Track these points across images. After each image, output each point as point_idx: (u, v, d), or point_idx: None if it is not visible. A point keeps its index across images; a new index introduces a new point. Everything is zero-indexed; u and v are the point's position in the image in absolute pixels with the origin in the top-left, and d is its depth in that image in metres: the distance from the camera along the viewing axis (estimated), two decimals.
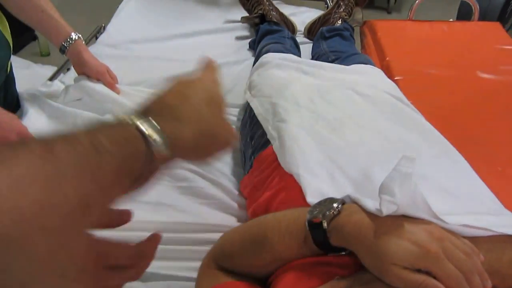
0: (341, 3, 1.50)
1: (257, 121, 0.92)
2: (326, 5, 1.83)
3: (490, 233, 0.55)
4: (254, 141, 0.92)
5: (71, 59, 1.18)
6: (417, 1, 1.63)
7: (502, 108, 1.20)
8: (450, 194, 0.65)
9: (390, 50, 1.43)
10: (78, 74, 1.20)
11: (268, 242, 0.58)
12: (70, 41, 1.13)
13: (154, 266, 0.47)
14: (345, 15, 1.46)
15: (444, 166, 0.75)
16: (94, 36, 1.60)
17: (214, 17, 1.74)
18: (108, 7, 1.83)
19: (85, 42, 1.48)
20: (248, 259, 0.62)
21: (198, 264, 0.67)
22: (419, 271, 0.47)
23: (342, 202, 0.55)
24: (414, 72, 1.34)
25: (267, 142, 0.85)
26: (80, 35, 1.15)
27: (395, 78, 1.30)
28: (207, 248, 0.67)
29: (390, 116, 0.85)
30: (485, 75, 1.34)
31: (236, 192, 0.94)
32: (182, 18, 1.70)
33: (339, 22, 1.44)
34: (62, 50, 1.14)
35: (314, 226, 0.54)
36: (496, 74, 1.34)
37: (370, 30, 1.60)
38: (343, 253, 0.54)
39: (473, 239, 0.52)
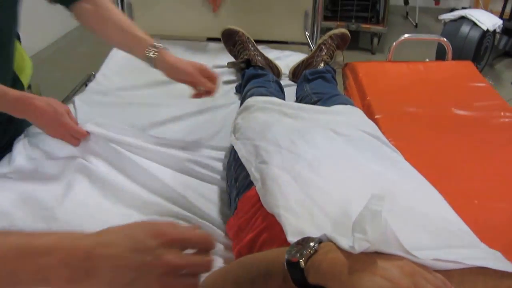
0: (323, 47, 1.58)
1: (241, 163, 0.96)
2: (310, 49, 1.91)
3: (461, 266, 0.58)
4: (238, 183, 0.95)
5: (160, 68, 1.16)
6: (394, 44, 1.72)
7: (477, 142, 1.26)
8: (424, 228, 0.68)
9: (370, 90, 1.50)
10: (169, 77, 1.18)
11: (250, 283, 0.61)
12: (154, 51, 1.14)
13: None
14: (327, 58, 1.54)
15: (419, 201, 0.78)
16: (83, 83, 1.66)
17: (202, 62, 1.80)
18: (98, 56, 1.89)
19: (74, 90, 1.53)
20: None
21: None
22: None
23: (319, 241, 0.58)
24: (393, 110, 1.40)
25: (251, 184, 0.89)
26: (160, 45, 1.15)
27: (376, 117, 1.36)
28: None
29: (368, 154, 0.90)
30: (460, 112, 1.41)
31: (223, 234, 0.96)
32: None
33: (322, 65, 1.52)
34: (149, 61, 1.14)
35: (292, 266, 0.56)
36: (470, 110, 1.42)
37: (352, 71, 1.68)
38: None
39: (445, 273, 0.55)
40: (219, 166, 1.17)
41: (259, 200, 0.81)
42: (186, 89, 1.58)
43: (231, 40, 1.65)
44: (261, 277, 0.60)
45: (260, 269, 0.62)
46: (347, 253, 0.54)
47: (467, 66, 1.71)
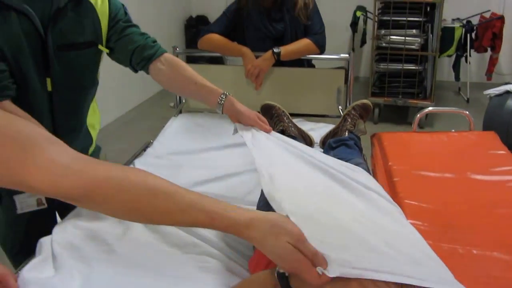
0: (347, 118, 1.84)
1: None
2: None
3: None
4: None
5: (227, 112, 1.47)
6: (418, 115, 1.95)
7: (489, 203, 1.42)
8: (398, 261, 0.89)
9: (392, 156, 1.72)
10: (234, 122, 1.50)
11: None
12: (223, 98, 1.46)
13: None
14: (351, 127, 1.79)
15: (403, 243, 0.99)
16: (143, 149, 2.00)
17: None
18: (156, 129, 2.25)
19: (135, 154, 1.88)
20: None
21: None
22: None
23: None
24: (411, 175, 1.61)
25: None
26: (227, 93, 1.47)
27: (394, 179, 1.58)
28: None
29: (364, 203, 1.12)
30: (476, 176, 1.59)
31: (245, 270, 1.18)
32: (219, 133, 2.09)
33: (346, 133, 1.77)
34: (219, 108, 1.46)
35: (280, 276, 0.82)
36: (486, 175, 1.58)
37: (378, 140, 1.91)
38: None
39: None
40: None
41: None
42: (230, 154, 1.88)
43: (268, 113, 1.95)
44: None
45: (260, 283, 0.85)
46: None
47: (490, 136, 1.89)
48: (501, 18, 4.88)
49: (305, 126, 2.11)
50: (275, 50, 2.14)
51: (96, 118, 1.62)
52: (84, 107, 1.52)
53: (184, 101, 2.44)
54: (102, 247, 1.22)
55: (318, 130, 2.11)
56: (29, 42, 1.27)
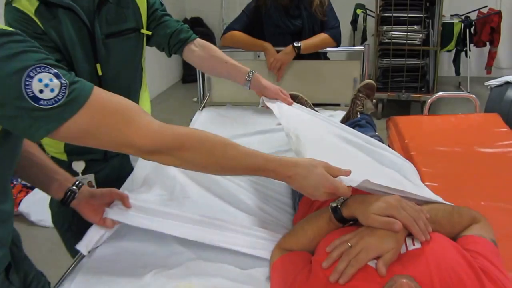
0: (356, 101, 2.14)
1: None
2: None
3: (427, 200, 1.12)
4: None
5: (254, 88, 1.74)
6: (429, 101, 2.27)
7: (492, 170, 1.74)
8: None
9: (408, 135, 2.05)
10: (259, 96, 1.78)
11: (310, 224, 1.14)
12: (250, 75, 1.73)
13: None
14: (360, 108, 2.09)
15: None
16: None
17: (266, 122, 2.41)
18: (185, 119, 2.55)
19: None
20: (302, 238, 1.17)
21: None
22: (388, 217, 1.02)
23: (346, 198, 1.12)
24: (425, 149, 1.93)
25: None
26: (253, 70, 1.73)
27: (411, 153, 1.90)
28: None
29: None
30: (481, 149, 1.91)
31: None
32: (244, 122, 2.38)
33: (358, 115, 2.07)
34: (247, 84, 1.74)
35: (334, 209, 1.11)
36: (490, 148, 1.91)
37: (393, 123, 2.23)
38: (351, 222, 1.10)
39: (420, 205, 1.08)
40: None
41: (311, 201, 1.35)
42: (257, 140, 2.16)
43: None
44: (317, 220, 1.15)
45: (317, 216, 1.16)
46: (360, 198, 1.08)
47: (493, 117, 2.22)
48: (498, 13, 5.24)
49: (325, 114, 2.41)
50: (296, 44, 2.44)
51: (147, 106, 1.89)
52: (134, 92, 1.77)
53: (208, 95, 2.74)
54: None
55: (336, 117, 2.40)
56: (77, 33, 1.47)
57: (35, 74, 0.84)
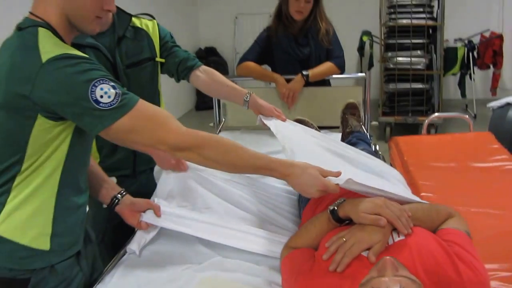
0: (343, 123, 2.38)
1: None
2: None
3: (409, 200, 1.36)
4: (302, 203, 1.73)
5: (251, 107, 1.99)
6: (426, 121, 2.50)
7: (483, 182, 1.96)
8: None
9: (407, 153, 2.27)
10: (257, 114, 2.00)
11: (313, 224, 1.39)
12: (248, 96, 1.98)
13: None
14: (349, 129, 2.33)
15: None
16: None
17: (277, 143, 2.63)
18: None
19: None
20: (306, 237, 1.40)
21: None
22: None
23: (344, 199, 1.35)
24: (422, 165, 2.16)
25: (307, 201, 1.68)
26: (250, 92, 2.00)
27: (410, 168, 2.11)
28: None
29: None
30: (474, 164, 2.13)
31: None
32: (257, 144, 2.61)
33: (350, 136, 2.30)
34: (245, 104, 1.98)
35: (332, 211, 1.34)
36: (484, 162, 2.12)
37: (395, 143, 2.46)
38: (346, 222, 1.33)
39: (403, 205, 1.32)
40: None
41: (313, 210, 1.58)
42: None
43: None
44: (319, 221, 1.38)
45: (318, 218, 1.39)
46: (352, 200, 1.32)
47: (486, 136, 2.44)
48: (499, 37, 5.50)
49: (331, 136, 2.64)
50: (304, 73, 2.70)
51: None
52: None
53: (223, 120, 2.99)
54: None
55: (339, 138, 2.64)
56: (101, 65, 1.81)
57: (99, 84, 1.15)
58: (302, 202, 1.77)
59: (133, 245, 1.52)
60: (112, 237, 1.91)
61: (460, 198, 1.81)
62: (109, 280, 1.41)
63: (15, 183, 1.22)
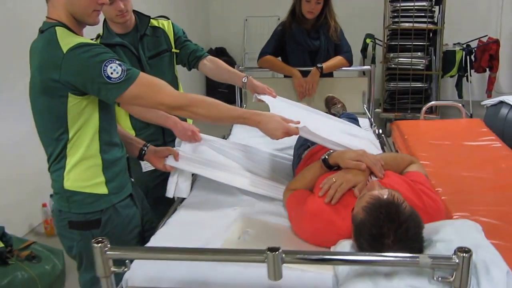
0: (332, 114, 2.81)
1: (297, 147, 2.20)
2: (368, 117, 3.09)
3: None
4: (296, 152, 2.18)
5: (248, 87, 2.32)
6: (424, 108, 2.85)
7: (472, 155, 2.31)
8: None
9: (407, 133, 2.62)
10: (253, 93, 2.32)
11: (309, 171, 1.80)
12: (246, 78, 2.32)
13: None
14: (338, 115, 2.78)
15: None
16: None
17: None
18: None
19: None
20: (303, 180, 1.79)
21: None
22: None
23: (332, 151, 1.78)
24: (421, 142, 2.51)
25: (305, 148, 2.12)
26: (247, 75, 2.35)
27: (409, 144, 2.47)
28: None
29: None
30: (468, 143, 2.48)
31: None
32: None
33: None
34: (244, 85, 2.33)
35: (324, 159, 1.76)
36: (474, 142, 2.48)
37: (396, 125, 2.83)
38: (335, 167, 1.73)
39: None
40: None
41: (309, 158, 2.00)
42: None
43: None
44: (313, 167, 1.79)
45: (314, 165, 1.79)
46: (340, 151, 1.75)
47: (477, 122, 2.80)
48: (496, 42, 5.87)
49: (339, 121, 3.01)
50: (319, 65, 3.07)
51: None
52: None
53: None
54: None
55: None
56: (129, 59, 2.22)
57: (109, 64, 1.50)
58: (294, 164, 2.20)
59: (169, 193, 1.98)
60: (153, 195, 2.28)
61: (453, 166, 2.17)
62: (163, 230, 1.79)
63: (68, 148, 1.60)
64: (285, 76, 3.29)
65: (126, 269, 1.26)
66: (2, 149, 3.13)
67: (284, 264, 1.18)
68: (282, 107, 2.17)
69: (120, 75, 1.51)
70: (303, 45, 3.15)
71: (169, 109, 1.64)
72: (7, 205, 3.12)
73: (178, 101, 1.63)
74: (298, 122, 1.76)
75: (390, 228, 1.31)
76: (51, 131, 1.59)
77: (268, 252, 1.17)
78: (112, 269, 1.24)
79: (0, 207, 2.95)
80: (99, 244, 1.21)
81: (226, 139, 2.86)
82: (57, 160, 1.62)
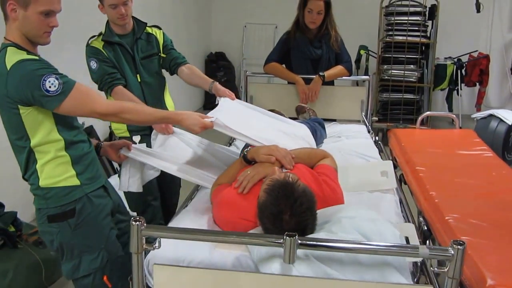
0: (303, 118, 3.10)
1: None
2: (366, 126, 3.27)
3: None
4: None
5: (214, 91, 2.58)
6: (420, 118, 3.05)
7: (469, 168, 2.49)
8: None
9: (404, 141, 2.81)
10: (217, 96, 2.59)
11: (232, 166, 2.06)
12: (212, 83, 2.60)
13: None
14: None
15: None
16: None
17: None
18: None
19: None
20: (227, 176, 2.02)
21: None
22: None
23: (251, 148, 2.08)
24: (418, 150, 2.69)
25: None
26: (213, 81, 2.64)
27: (407, 151, 2.65)
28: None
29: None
30: (461, 152, 2.67)
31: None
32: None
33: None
34: (210, 89, 2.59)
35: (243, 155, 2.05)
36: (467, 151, 2.67)
37: (393, 133, 3.01)
38: (253, 162, 1.99)
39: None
40: None
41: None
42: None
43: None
44: (236, 163, 2.06)
45: (236, 161, 2.06)
46: (256, 147, 2.01)
47: (469, 132, 2.99)
48: (486, 57, 6.12)
49: (338, 127, 3.19)
50: (321, 74, 3.25)
51: (171, 104, 2.80)
52: (160, 91, 2.73)
53: None
54: None
55: (350, 128, 3.18)
56: (126, 58, 2.57)
57: (47, 78, 1.68)
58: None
59: (122, 187, 2.31)
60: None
61: (447, 172, 2.35)
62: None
63: (35, 153, 1.80)
64: (288, 83, 3.47)
65: (157, 247, 1.42)
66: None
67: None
68: (228, 107, 2.44)
69: (57, 88, 1.69)
70: (306, 54, 3.34)
71: (102, 116, 1.84)
72: (18, 192, 3.24)
73: (109, 109, 1.85)
74: (211, 118, 2.03)
75: (287, 204, 1.54)
76: (16, 140, 1.81)
77: (286, 237, 1.33)
78: (145, 246, 1.39)
79: (11, 195, 3.14)
80: (137, 223, 1.36)
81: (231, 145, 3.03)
82: (28, 165, 1.82)
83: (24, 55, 1.70)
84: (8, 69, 1.67)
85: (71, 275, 1.91)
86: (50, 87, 1.66)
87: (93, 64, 2.48)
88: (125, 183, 2.29)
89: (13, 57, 1.69)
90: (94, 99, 1.80)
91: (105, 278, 1.89)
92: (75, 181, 1.85)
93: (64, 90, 1.70)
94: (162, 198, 2.77)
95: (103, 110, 1.82)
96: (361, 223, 1.59)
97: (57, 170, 1.82)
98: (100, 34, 2.55)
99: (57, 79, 1.68)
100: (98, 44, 2.51)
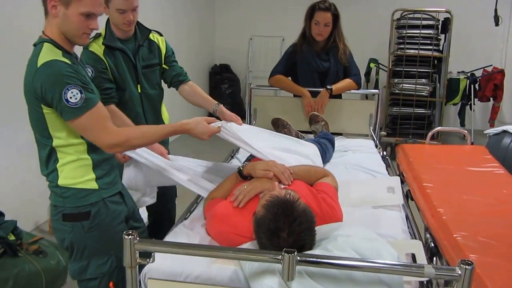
0: (314, 132, 3.11)
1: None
2: (373, 140, 3.24)
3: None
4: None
5: (219, 114, 2.48)
6: (430, 133, 3.01)
7: (479, 185, 2.45)
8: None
9: (413, 157, 2.78)
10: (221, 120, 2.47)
11: (226, 181, 2.05)
12: (217, 106, 2.53)
13: None
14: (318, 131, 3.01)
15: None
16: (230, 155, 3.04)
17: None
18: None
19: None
20: (221, 190, 2.03)
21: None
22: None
23: (247, 163, 2.16)
24: (426, 166, 2.66)
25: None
26: (218, 103, 2.58)
27: (414, 167, 2.61)
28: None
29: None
30: (471, 168, 2.63)
31: None
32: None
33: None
34: (215, 112, 2.52)
35: (239, 170, 2.06)
36: (477, 167, 2.64)
37: (401, 148, 2.98)
38: (249, 178, 2.00)
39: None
40: None
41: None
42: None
43: (276, 125, 3.20)
44: (231, 177, 2.06)
45: (232, 176, 2.05)
46: (252, 163, 2.03)
47: (481, 149, 2.95)
48: (501, 72, 6.07)
49: (345, 141, 3.17)
50: (328, 87, 3.24)
51: (167, 118, 2.78)
52: (159, 102, 2.71)
53: (254, 123, 3.48)
54: None
55: (357, 143, 3.16)
56: (127, 65, 2.48)
57: (71, 88, 1.67)
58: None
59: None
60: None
61: (455, 189, 2.32)
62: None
63: (57, 152, 1.82)
64: (294, 96, 3.46)
65: (150, 261, 1.40)
66: (16, 152, 3.27)
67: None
68: (236, 128, 2.39)
69: (78, 102, 1.69)
70: (313, 66, 3.33)
71: (106, 149, 1.82)
72: (18, 202, 3.37)
73: (115, 140, 1.80)
74: (218, 124, 2.11)
75: (285, 222, 1.52)
76: (40, 137, 1.82)
77: (284, 254, 1.31)
78: (138, 260, 1.37)
79: (12, 205, 3.18)
80: (129, 237, 1.34)
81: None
82: (49, 163, 1.84)
83: (58, 56, 1.71)
84: (39, 66, 1.67)
85: (78, 276, 1.94)
86: (71, 97, 1.66)
87: (89, 72, 2.42)
88: (130, 182, 2.31)
89: (47, 55, 1.70)
90: (105, 128, 1.78)
91: (111, 284, 1.87)
92: (94, 185, 1.87)
93: (83, 106, 1.70)
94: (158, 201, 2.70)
95: (110, 141, 1.78)
96: (357, 241, 1.57)
97: (77, 172, 1.84)
98: (99, 35, 2.41)
99: (80, 92, 1.68)
100: (99, 49, 2.39)
